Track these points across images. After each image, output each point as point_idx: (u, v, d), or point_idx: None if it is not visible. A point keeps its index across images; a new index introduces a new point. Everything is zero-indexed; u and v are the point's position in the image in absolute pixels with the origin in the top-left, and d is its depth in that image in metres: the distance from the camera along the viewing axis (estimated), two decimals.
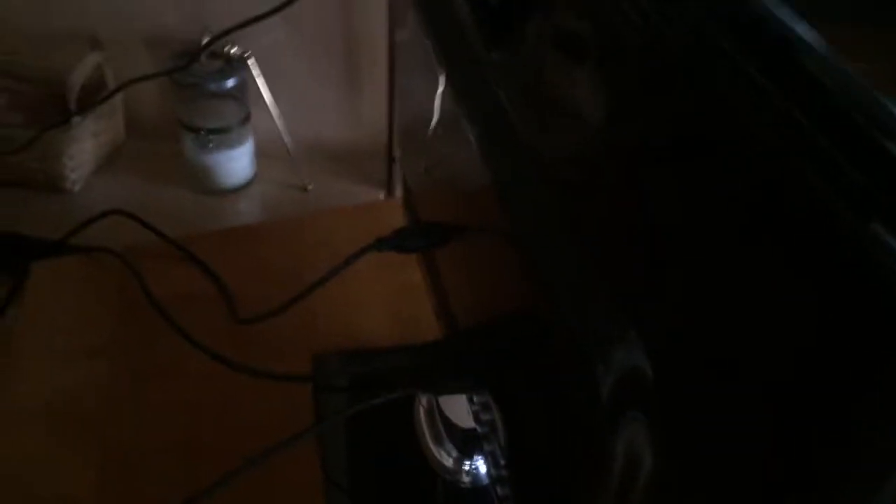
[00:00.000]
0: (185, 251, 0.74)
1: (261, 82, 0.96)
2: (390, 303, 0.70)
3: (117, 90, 0.92)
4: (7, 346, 0.64)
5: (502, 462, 0.51)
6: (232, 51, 0.94)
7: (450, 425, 0.57)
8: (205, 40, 0.89)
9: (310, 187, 1.01)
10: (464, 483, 0.56)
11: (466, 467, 0.56)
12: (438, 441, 0.57)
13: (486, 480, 0.53)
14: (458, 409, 0.54)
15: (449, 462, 0.57)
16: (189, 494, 0.54)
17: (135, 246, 0.74)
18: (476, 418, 0.53)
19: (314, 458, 0.57)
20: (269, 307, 0.68)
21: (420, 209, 0.61)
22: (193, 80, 0.95)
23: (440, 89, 0.45)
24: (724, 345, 0.26)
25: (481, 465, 0.54)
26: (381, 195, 1.01)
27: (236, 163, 0.99)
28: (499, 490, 0.49)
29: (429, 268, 0.62)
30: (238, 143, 0.99)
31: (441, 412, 0.56)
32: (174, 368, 0.63)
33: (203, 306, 0.69)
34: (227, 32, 0.77)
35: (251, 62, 0.94)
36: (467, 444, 0.55)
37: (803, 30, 0.23)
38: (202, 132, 0.97)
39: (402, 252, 0.60)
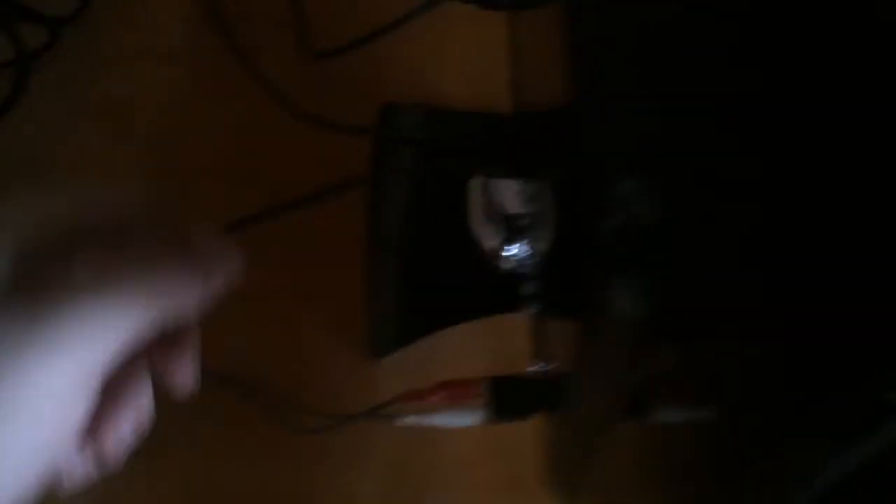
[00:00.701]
0: None
1: None
2: (469, 58, 0.64)
3: None
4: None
5: (539, 251, 0.49)
6: None
7: (499, 208, 0.54)
8: None
9: None
10: (503, 268, 0.54)
11: (509, 252, 0.54)
12: (487, 222, 0.55)
13: (522, 271, 0.51)
14: (509, 195, 0.50)
15: (494, 245, 0.54)
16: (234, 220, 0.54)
17: None
18: (525, 205, 0.50)
19: (360, 212, 0.55)
20: (343, 40, 0.64)
21: None
22: None
23: None
24: None
25: (521, 254, 0.52)
26: None
27: None
28: (529, 283, 0.47)
29: (512, 31, 0.55)
30: None
31: (492, 194, 0.53)
32: (234, 94, 0.61)
33: (274, 30, 0.64)
34: None
35: None
36: (512, 232, 0.52)
37: None
38: None
39: (485, 7, 0.53)
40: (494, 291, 0.55)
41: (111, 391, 0.26)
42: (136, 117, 0.60)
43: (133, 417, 0.27)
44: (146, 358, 0.27)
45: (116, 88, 0.61)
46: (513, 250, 0.55)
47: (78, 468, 0.27)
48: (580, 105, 0.37)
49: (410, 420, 0.40)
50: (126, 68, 0.62)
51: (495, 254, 0.55)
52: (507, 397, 0.39)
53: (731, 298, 0.25)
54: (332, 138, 0.57)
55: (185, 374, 0.29)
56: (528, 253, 0.53)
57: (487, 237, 0.56)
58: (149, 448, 0.48)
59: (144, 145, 0.59)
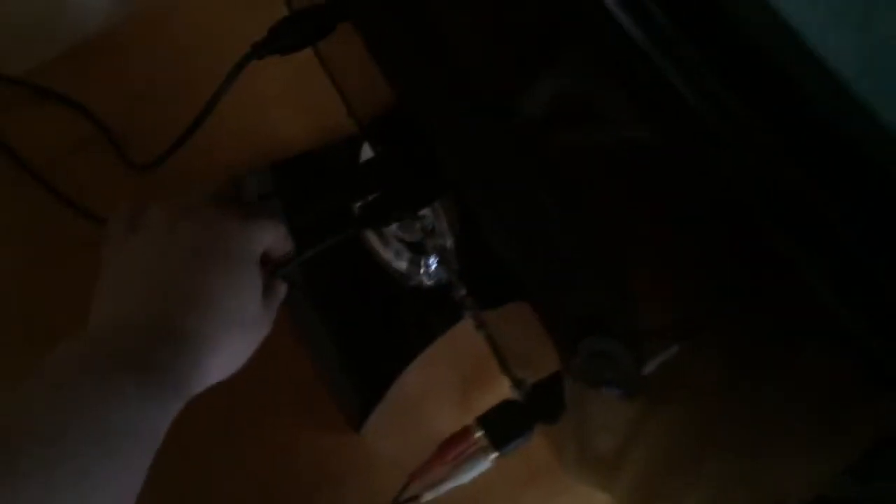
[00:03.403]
0: (43, 89, 0.62)
1: None
2: (296, 94, 0.60)
3: None
4: None
5: (449, 252, 0.48)
6: None
7: (393, 233, 0.52)
8: None
9: None
10: (426, 284, 0.53)
11: (422, 269, 0.52)
12: (388, 248, 0.53)
13: (444, 278, 0.50)
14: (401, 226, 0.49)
15: (404, 266, 0.53)
16: None
17: None
18: (421, 231, 0.48)
19: None
20: (162, 139, 0.59)
21: None
22: None
23: None
24: None
25: (434, 265, 0.51)
26: None
27: None
28: (456, 292, 0.46)
29: (322, 61, 0.52)
30: None
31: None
32: (78, 246, 0.56)
33: (88, 157, 0.59)
34: None
35: None
36: (415, 248, 0.51)
37: None
38: None
39: (285, 53, 0.49)
40: (426, 312, 0.54)
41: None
42: None
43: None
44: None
45: None
46: (424, 262, 0.54)
47: None
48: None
49: (430, 496, 0.39)
50: None
51: (410, 276, 0.54)
52: (504, 430, 0.39)
53: None
54: None
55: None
56: (440, 260, 0.52)
57: (396, 264, 0.54)
58: None
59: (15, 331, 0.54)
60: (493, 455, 0.39)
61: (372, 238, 0.55)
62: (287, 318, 0.54)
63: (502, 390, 0.44)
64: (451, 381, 0.53)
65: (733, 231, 0.25)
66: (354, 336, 0.53)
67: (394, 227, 0.51)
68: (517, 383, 0.39)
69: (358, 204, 0.43)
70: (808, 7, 0.22)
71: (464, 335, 0.53)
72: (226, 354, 0.38)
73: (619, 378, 0.25)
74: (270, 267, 0.42)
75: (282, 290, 0.43)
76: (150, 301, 0.37)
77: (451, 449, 0.39)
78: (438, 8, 0.35)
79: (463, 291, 0.48)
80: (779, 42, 0.21)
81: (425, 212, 0.47)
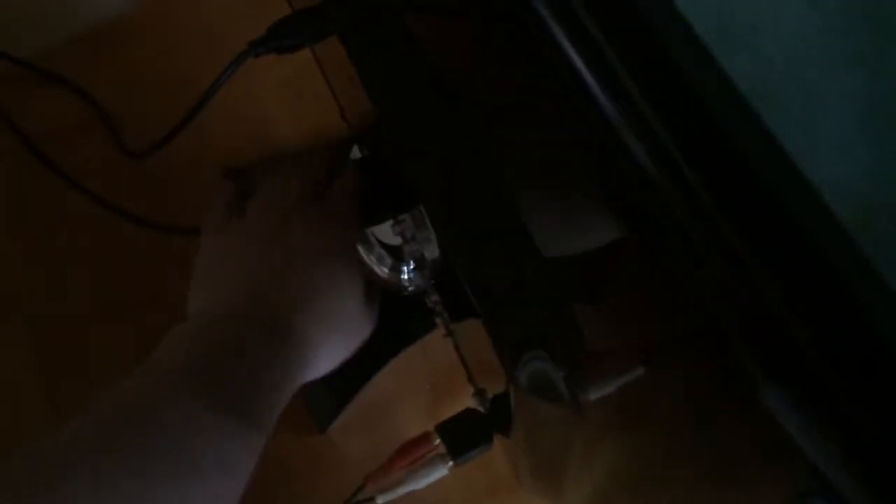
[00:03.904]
0: (45, 72, 0.63)
1: None
2: (291, 88, 0.61)
3: None
4: None
5: (428, 261, 0.48)
6: None
7: (378, 240, 0.52)
8: None
9: None
10: (407, 291, 0.53)
11: (405, 276, 0.53)
12: (371, 253, 0.53)
13: (423, 286, 0.50)
14: (384, 230, 0.50)
15: (385, 272, 0.53)
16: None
17: None
18: (401, 236, 0.49)
19: None
20: (158, 128, 0.60)
21: None
22: None
23: None
24: None
25: (414, 273, 0.51)
26: None
27: None
28: (430, 299, 0.47)
29: (318, 63, 0.53)
30: None
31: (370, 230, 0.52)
32: (76, 223, 0.57)
33: (85, 139, 0.60)
34: None
35: None
36: (396, 255, 0.52)
37: None
38: None
39: (282, 53, 0.50)
40: (404, 318, 0.54)
41: None
42: None
43: None
44: None
45: None
46: (406, 269, 0.54)
47: None
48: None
49: (384, 498, 0.39)
50: None
51: (391, 281, 0.54)
52: (461, 440, 0.39)
53: None
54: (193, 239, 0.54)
55: None
56: (420, 273, 0.53)
57: (377, 269, 0.55)
58: None
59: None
60: (450, 463, 0.39)
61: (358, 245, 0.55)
62: None
63: (469, 401, 0.44)
64: (422, 389, 0.53)
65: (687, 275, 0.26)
66: None
67: (376, 230, 0.51)
68: (479, 393, 0.40)
69: None
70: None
71: (438, 344, 0.54)
72: (330, 350, 0.39)
73: (557, 396, 0.26)
74: None
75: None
76: (255, 296, 0.38)
77: (409, 453, 0.40)
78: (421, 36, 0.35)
79: (435, 297, 0.49)
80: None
81: (405, 218, 0.47)
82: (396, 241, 0.51)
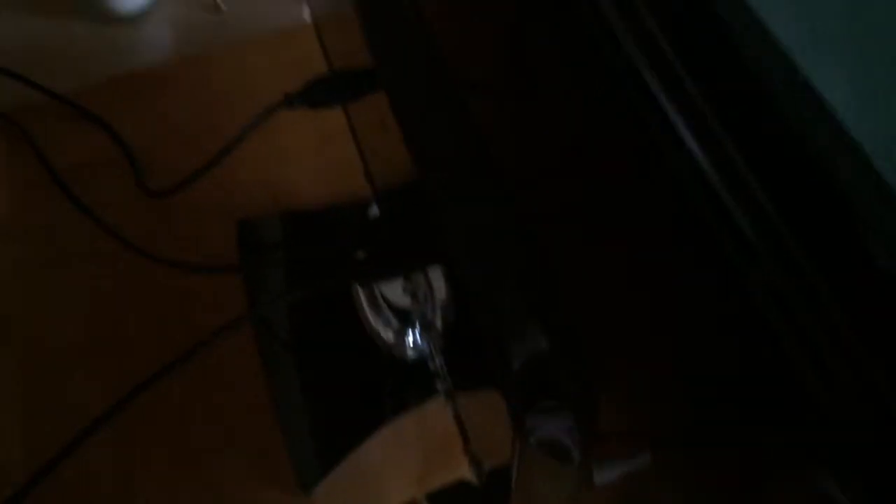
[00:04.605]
0: (81, 108, 0.64)
1: None
2: (317, 150, 0.62)
3: None
4: None
5: (437, 328, 0.47)
6: None
7: (388, 302, 0.52)
8: None
9: (224, 7, 0.87)
10: (409, 357, 0.52)
11: (409, 341, 0.52)
12: (378, 316, 0.53)
13: (427, 354, 0.49)
14: (394, 290, 0.49)
15: (390, 336, 0.52)
16: (118, 393, 0.50)
17: (17, 107, 0.63)
18: (411, 296, 0.48)
19: (251, 344, 0.52)
20: (181, 172, 0.61)
21: (331, 41, 0.52)
22: None
23: None
24: None
25: (420, 338, 0.50)
26: (307, 14, 0.88)
27: None
28: (433, 363, 0.46)
29: (350, 123, 0.54)
30: None
31: (377, 287, 0.51)
32: (86, 254, 0.57)
33: (108, 176, 0.62)
34: None
35: None
36: (404, 320, 0.51)
37: None
38: None
39: (316, 108, 0.51)
40: (405, 383, 0.53)
41: None
42: None
43: None
44: None
45: None
46: (411, 338, 0.53)
47: None
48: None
49: None
50: None
51: (396, 344, 0.53)
52: None
53: None
54: (199, 280, 0.53)
55: None
56: (426, 334, 0.52)
57: (383, 333, 0.54)
58: None
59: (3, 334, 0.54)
60: None
61: (363, 304, 0.55)
62: (259, 360, 0.53)
63: (462, 476, 0.42)
64: (413, 458, 0.51)
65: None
66: (326, 394, 0.52)
67: (386, 289, 0.51)
68: (476, 463, 0.38)
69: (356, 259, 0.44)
70: None
71: (434, 414, 0.52)
72: None
73: (567, 455, 0.24)
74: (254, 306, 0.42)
75: None
76: None
77: None
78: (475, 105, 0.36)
79: (440, 361, 0.48)
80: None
81: (417, 278, 0.47)
82: (405, 302, 0.51)
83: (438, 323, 0.52)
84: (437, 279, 0.53)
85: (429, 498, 0.38)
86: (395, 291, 0.53)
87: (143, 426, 0.51)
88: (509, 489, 0.38)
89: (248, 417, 0.53)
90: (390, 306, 0.53)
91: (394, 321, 0.54)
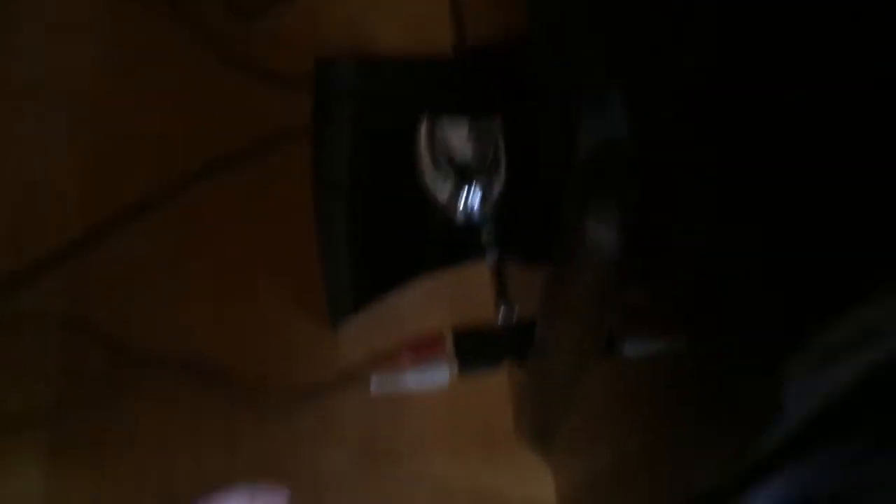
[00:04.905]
0: None
1: None
2: (406, 7, 0.61)
3: None
4: None
5: (492, 196, 0.47)
6: None
7: (449, 156, 0.51)
8: None
9: None
10: (458, 218, 0.52)
11: (462, 201, 0.52)
12: (437, 172, 0.52)
13: (477, 219, 0.49)
14: (458, 139, 0.48)
15: (445, 196, 0.52)
16: (175, 183, 0.51)
17: None
18: (473, 147, 0.48)
19: (307, 168, 0.52)
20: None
21: None
22: None
23: None
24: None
25: (474, 202, 0.50)
26: None
27: None
28: (485, 227, 0.45)
29: None
30: None
31: (441, 141, 0.51)
32: (168, 56, 0.57)
33: None
34: None
35: None
36: (463, 178, 0.50)
37: None
38: None
39: None
40: (449, 242, 0.53)
41: None
42: (55, 93, 0.56)
43: None
44: None
45: (31, 67, 0.57)
46: (465, 198, 0.53)
47: None
48: (541, 33, 0.35)
49: (379, 386, 0.38)
50: (38, 45, 0.58)
51: (448, 204, 0.53)
52: (473, 349, 0.38)
53: (704, 220, 0.24)
54: (267, 93, 0.54)
55: None
56: (481, 199, 0.51)
57: (438, 187, 0.54)
58: (115, 439, 0.46)
59: (66, 122, 0.56)
60: (454, 368, 0.38)
61: (424, 160, 0.54)
62: (311, 193, 0.54)
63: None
64: (442, 311, 0.51)
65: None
66: (370, 237, 0.53)
67: (451, 135, 0.50)
68: (508, 308, 0.38)
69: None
70: None
71: (470, 276, 0.52)
72: None
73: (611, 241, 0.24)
74: None
75: None
76: None
77: (417, 348, 0.38)
78: None
79: (491, 229, 0.47)
80: None
81: (484, 125, 0.46)
82: (466, 158, 0.50)
83: (494, 190, 0.51)
84: (500, 150, 0.53)
85: (453, 332, 0.38)
86: (457, 149, 0.52)
87: (193, 225, 0.52)
88: (529, 339, 0.38)
89: (292, 246, 0.54)
90: (451, 163, 0.53)
91: (450, 182, 0.53)
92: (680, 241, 0.25)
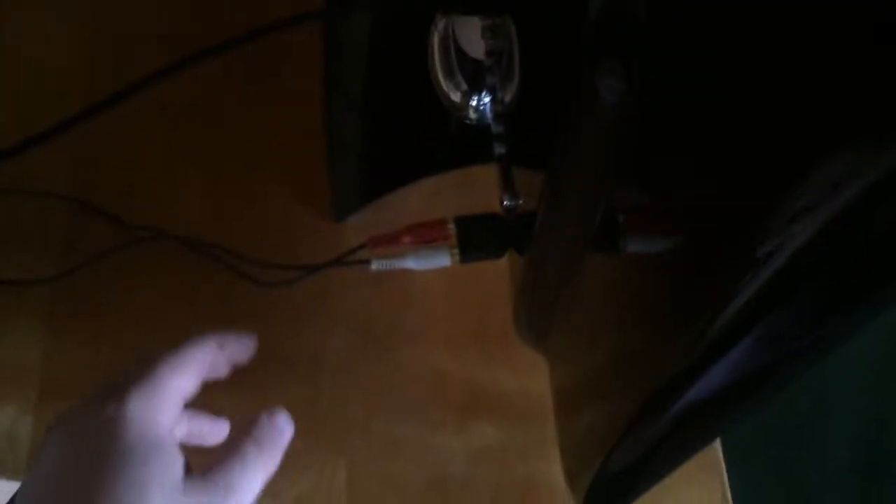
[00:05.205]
0: None
1: None
2: None
3: None
4: None
5: (505, 97, 0.46)
6: None
7: (462, 56, 0.50)
8: None
9: None
10: (469, 119, 0.51)
11: (473, 102, 0.51)
12: (449, 72, 0.51)
13: (488, 120, 0.48)
14: (472, 38, 0.47)
15: (457, 96, 0.51)
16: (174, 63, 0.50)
17: None
18: (487, 46, 0.47)
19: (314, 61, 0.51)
20: None
21: None
22: None
23: None
24: None
25: (486, 102, 0.49)
26: None
27: None
28: (496, 127, 0.45)
29: None
30: None
31: (455, 39, 0.50)
32: None
33: None
34: None
35: None
36: (476, 78, 0.49)
37: None
38: None
39: None
40: (459, 142, 0.53)
41: None
42: None
43: None
44: None
45: None
46: (477, 99, 0.52)
47: None
48: None
49: (379, 265, 0.38)
50: None
51: (460, 103, 0.52)
52: (475, 235, 0.37)
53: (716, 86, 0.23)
54: None
55: None
56: (493, 101, 0.50)
57: (451, 86, 0.53)
58: (115, 306, 0.46)
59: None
60: (455, 254, 0.37)
61: (437, 59, 0.53)
62: (318, 82, 0.53)
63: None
64: (447, 210, 0.51)
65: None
66: (379, 132, 0.52)
67: (464, 36, 0.49)
68: (512, 197, 0.37)
69: None
70: None
71: (479, 181, 0.52)
72: None
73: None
74: None
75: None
76: None
77: (420, 231, 0.38)
78: None
79: (502, 129, 0.47)
80: None
81: (500, 23, 0.45)
82: (479, 53, 0.49)
83: (507, 91, 0.50)
84: (515, 51, 0.52)
85: (455, 219, 0.38)
86: (471, 48, 0.51)
87: (195, 105, 0.52)
88: (533, 226, 0.38)
89: (298, 136, 0.53)
90: (464, 63, 0.52)
91: (463, 83, 0.52)
92: (687, 100, 0.25)
